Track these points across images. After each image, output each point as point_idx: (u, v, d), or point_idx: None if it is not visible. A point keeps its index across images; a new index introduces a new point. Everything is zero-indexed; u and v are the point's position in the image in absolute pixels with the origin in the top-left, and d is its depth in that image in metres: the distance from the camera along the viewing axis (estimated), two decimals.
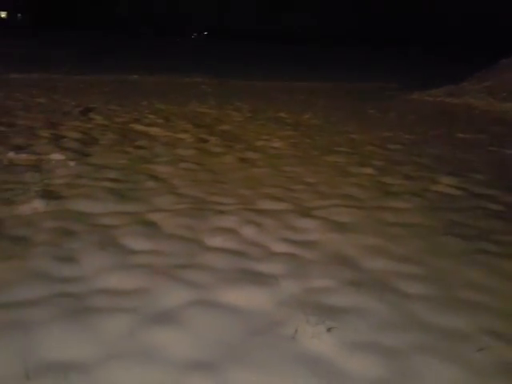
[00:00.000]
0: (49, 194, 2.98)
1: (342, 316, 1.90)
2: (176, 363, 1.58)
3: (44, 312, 1.78)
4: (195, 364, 1.59)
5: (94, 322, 1.76)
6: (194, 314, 1.87)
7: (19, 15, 57.70)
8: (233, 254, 2.44)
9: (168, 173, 3.82)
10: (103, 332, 1.71)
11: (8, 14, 56.86)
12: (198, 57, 23.63)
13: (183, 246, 2.50)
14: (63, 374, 1.47)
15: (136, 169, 3.85)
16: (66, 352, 1.59)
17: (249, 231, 2.74)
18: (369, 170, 4.28)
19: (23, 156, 3.84)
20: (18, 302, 1.84)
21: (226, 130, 5.88)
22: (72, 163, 3.75)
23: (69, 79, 10.41)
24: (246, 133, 5.75)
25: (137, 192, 3.28)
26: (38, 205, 2.78)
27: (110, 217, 2.79)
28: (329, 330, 1.79)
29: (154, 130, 5.50)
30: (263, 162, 4.36)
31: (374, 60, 28.17)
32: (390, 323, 1.89)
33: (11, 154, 3.84)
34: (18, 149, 4.04)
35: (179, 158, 4.33)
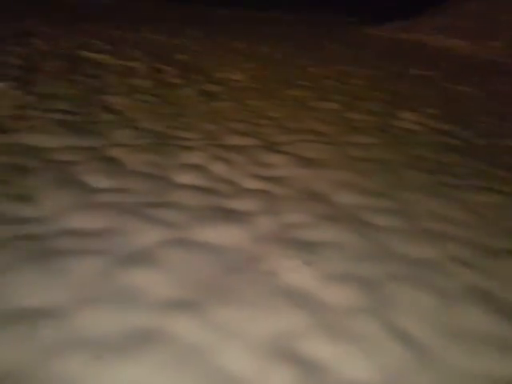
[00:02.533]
0: None
1: (319, 249, 1.91)
2: (157, 303, 1.53)
3: (8, 256, 1.65)
4: (177, 303, 1.54)
5: (64, 265, 1.65)
6: (169, 252, 1.80)
7: None
8: (204, 191, 2.36)
9: (124, 105, 3.57)
10: (75, 275, 1.60)
11: None
12: None
13: (150, 183, 2.37)
14: (34, 321, 1.38)
15: (88, 99, 3.56)
16: (37, 298, 1.48)
17: (218, 167, 2.64)
18: (332, 105, 4.23)
19: None
20: None
21: (181, 59, 5.53)
22: (16, 92, 3.39)
23: None
24: (204, 64, 5.44)
25: (92, 125, 3.04)
26: None
27: (66, 152, 2.58)
28: (307, 263, 1.80)
29: (102, 57, 5.07)
30: (225, 96, 4.17)
31: None
32: (364, 255, 1.92)
33: None
34: None
35: (135, 88, 4.04)
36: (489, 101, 5.00)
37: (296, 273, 1.76)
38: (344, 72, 5.80)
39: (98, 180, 2.31)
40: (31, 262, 1.63)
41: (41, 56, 4.74)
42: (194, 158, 2.74)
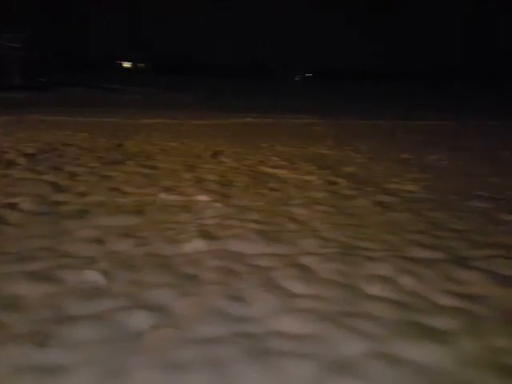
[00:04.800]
0: (205, 234, 3.19)
1: None
2: None
3: (229, 350, 1.86)
4: None
5: (279, 364, 1.79)
6: (375, 366, 1.81)
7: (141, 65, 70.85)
8: (396, 304, 2.36)
9: (306, 215, 3.88)
10: (291, 376, 1.73)
11: (132, 65, 70.65)
12: (305, 98, 24.29)
13: (342, 292, 2.48)
14: None
15: (274, 210, 3.97)
16: None
17: (407, 281, 2.63)
18: None
19: (173, 197, 4.19)
20: (205, 339, 1.95)
21: (351, 171, 5.86)
22: (217, 204, 3.99)
23: (188, 123, 11.27)
24: (373, 174, 5.67)
25: (281, 234, 3.37)
26: (199, 244, 2.98)
27: (264, 258, 2.88)
28: None
29: (281, 172, 5.68)
30: (400, 206, 4.23)
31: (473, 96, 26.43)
32: None
33: (163, 195, 4.21)
34: (168, 190, 4.43)
35: (313, 200, 4.38)
36: None
37: None
38: None
39: (295, 286, 2.51)
40: (251, 358, 1.82)
41: (232, 172, 5.55)
42: (380, 269, 2.78)
